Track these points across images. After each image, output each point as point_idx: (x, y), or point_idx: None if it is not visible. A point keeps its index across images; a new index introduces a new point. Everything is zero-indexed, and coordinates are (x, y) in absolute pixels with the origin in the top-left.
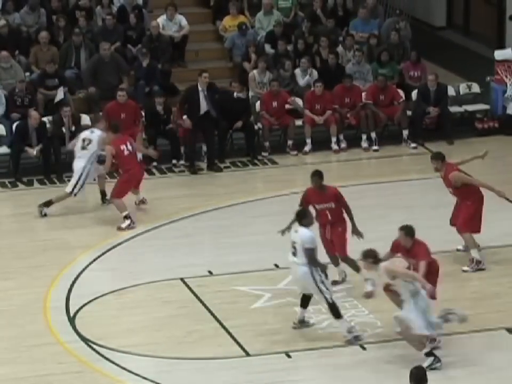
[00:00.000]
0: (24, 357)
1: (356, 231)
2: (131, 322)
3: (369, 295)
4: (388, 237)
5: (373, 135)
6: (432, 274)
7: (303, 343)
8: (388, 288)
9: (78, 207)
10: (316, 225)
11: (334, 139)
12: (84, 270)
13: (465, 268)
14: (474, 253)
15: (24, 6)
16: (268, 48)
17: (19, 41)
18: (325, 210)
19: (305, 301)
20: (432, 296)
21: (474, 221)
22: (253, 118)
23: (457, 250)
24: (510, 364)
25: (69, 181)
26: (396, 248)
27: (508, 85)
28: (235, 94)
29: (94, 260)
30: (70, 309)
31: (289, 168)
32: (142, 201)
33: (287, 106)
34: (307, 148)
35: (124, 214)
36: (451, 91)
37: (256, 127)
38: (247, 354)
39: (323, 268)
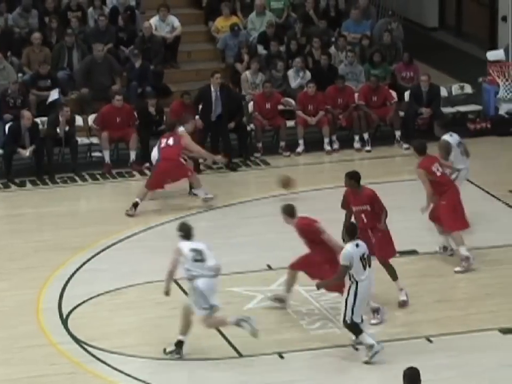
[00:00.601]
0: (17, 358)
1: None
2: (124, 324)
3: (402, 305)
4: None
5: (366, 135)
6: None
7: (296, 344)
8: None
9: (70, 208)
10: None
11: (326, 140)
12: (76, 271)
13: (457, 269)
14: (462, 251)
15: (17, 7)
16: (260, 49)
17: (11, 42)
18: (361, 213)
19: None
20: None
21: (457, 219)
22: (246, 119)
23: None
24: (502, 365)
25: (62, 181)
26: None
27: (500, 85)
28: None
29: (87, 261)
30: (63, 310)
31: (281, 169)
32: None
33: (279, 107)
34: (299, 149)
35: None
36: (443, 92)
37: (248, 128)
38: (240, 355)
39: None
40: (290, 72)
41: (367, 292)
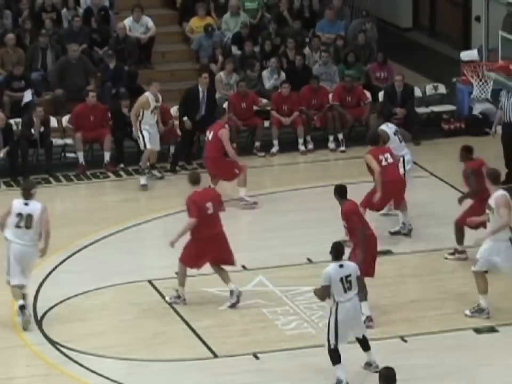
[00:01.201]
0: None
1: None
2: (99, 325)
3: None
4: None
5: (340, 136)
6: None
7: (271, 344)
8: None
9: None
10: None
11: (301, 140)
12: (51, 272)
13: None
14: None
15: None
16: (234, 49)
17: None
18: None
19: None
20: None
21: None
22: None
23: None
24: (477, 364)
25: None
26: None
27: (474, 85)
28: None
29: (61, 262)
30: (38, 311)
31: (256, 169)
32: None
33: (255, 107)
34: (274, 149)
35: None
36: (417, 92)
37: None
38: (215, 355)
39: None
40: (265, 73)
41: (349, 315)
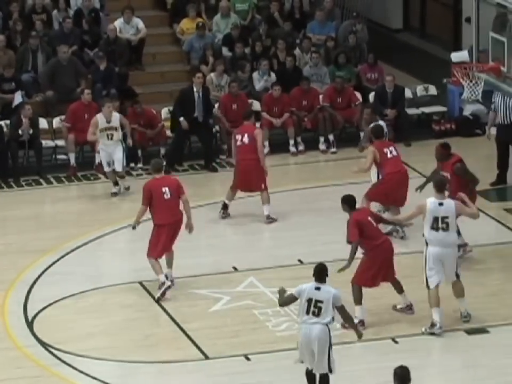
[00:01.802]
0: None
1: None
2: (90, 326)
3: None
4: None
5: (331, 137)
6: None
7: (262, 346)
8: None
9: (35, 211)
10: None
11: (291, 141)
12: (41, 274)
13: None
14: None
15: None
16: (225, 51)
17: None
18: None
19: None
20: None
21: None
22: (211, 121)
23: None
24: (468, 365)
25: (27, 184)
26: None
27: (465, 87)
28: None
29: (52, 264)
30: (28, 313)
31: None
32: None
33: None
34: (265, 151)
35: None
36: (408, 93)
37: (214, 129)
38: (206, 357)
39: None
40: (255, 74)
41: (305, 341)
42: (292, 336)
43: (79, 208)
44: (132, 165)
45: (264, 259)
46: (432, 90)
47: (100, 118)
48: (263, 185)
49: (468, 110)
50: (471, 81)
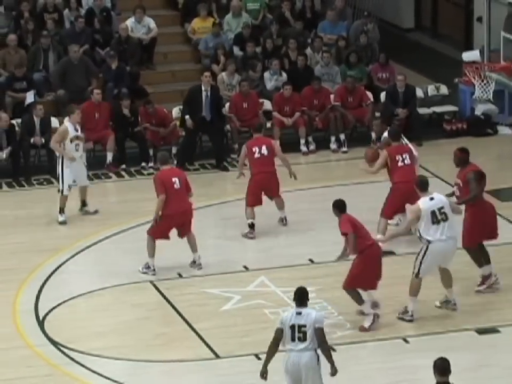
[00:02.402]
0: None
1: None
2: (100, 325)
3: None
4: None
5: (342, 136)
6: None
7: None
8: None
9: (46, 210)
10: None
11: (302, 141)
12: (53, 273)
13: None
14: None
15: None
16: (236, 50)
17: None
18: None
19: None
20: None
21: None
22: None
23: None
24: (479, 365)
25: (38, 183)
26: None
27: (476, 86)
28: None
29: (63, 263)
30: (39, 312)
31: None
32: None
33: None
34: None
35: (248, 221)
36: (419, 93)
37: (225, 129)
38: (217, 356)
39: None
40: (267, 74)
41: (297, 366)
42: None
43: (90, 207)
44: (143, 164)
45: (275, 258)
46: (444, 90)
47: (69, 125)
48: (279, 192)
49: (479, 110)
50: (482, 80)
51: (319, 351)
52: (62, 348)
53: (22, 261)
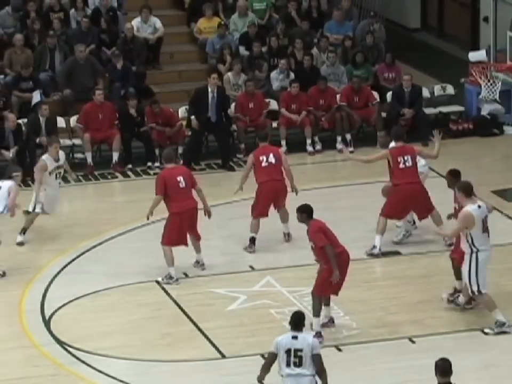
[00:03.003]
0: None
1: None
2: (106, 325)
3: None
4: (362, 238)
5: (348, 136)
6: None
7: None
8: None
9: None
10: None
11: (308, 141)
12: (59, 272)
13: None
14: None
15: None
16: (242, 50)
17: None
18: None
19: None
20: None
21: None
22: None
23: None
24: (485, 365)
25: None
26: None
27: (482, 86)
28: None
29: (69, 263)
30: (45, 311)
31: None
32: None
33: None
34: (282, 150)
35: (251, 235)
36: (425, 93)
37: (231, 128)
38: (223, 356)
39: None
40: (273, 74)
41: None
42: None
43: (96, 207)
44: (149, 164)
45: (281, 258)
46: (450, 89)
47: (47, 159)
48: (285, 203)
49: (485, 110)
50: (488, 80)
51: (316, 377)
52: (68, 348)
53: (28, 260)
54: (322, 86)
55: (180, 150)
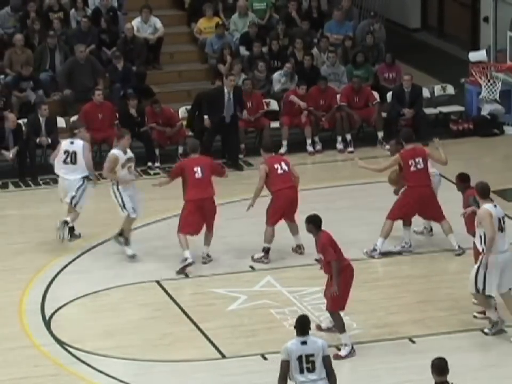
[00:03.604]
0: (0, 360)
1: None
2: (106, 325)
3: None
4: (363, 238)
5: (348, 136)
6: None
7: (279, 345)
8: None
9: (53, 210)
10: None
11: (309, 141)
12: (59, 273)
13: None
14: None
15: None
16: (242, 50)
17: None
18: (320, 262)
19: None
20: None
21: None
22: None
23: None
24: (485, 365)
25: (45, 183)
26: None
27: (482, 86)
28: None
29: (70, 263)
30: (46, 311)
31: None
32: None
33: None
34: (282, 150)
35: (265, 245)
36: (426, 93)
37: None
38: (223, 356)
39: None
40: (276, 75)
41: None
42: None
43: (96, 207)
44: (149, 164)
45: (281, 258)
46: (450, 89)
47: (118, 153)
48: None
49: (485, 110)
50: (488, 80)
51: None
52: (68, 348)
53: (29, 260)
54: (323, 86)
55: (180, 150)
